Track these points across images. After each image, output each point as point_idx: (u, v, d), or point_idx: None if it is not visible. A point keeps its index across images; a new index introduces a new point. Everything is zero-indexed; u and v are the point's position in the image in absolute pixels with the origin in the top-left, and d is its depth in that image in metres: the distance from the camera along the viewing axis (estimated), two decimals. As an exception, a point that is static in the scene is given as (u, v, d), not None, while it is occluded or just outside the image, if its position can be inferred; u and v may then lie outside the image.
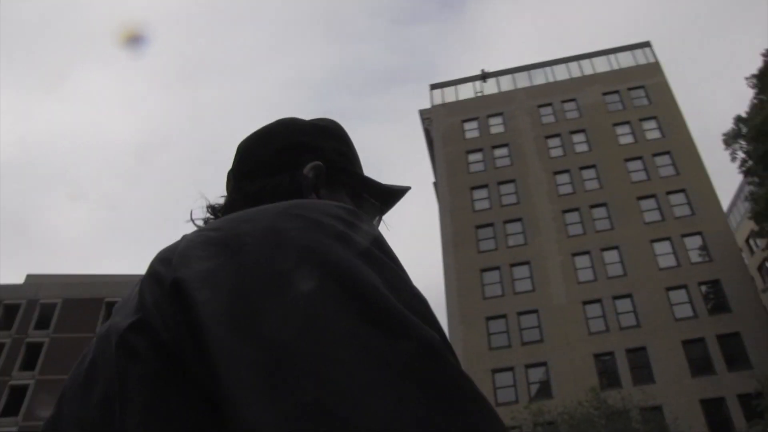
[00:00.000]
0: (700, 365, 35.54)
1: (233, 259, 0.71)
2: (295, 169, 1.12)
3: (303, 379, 0.59)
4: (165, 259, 0.77)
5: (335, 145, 1.20)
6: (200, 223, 1.14)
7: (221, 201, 1.18)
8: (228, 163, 1.23)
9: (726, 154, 43.57)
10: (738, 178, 56.90)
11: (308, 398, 0.58)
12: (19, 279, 53.24)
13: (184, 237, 0.81)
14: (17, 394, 45.17)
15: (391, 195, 1.25)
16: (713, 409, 33.93)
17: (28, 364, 46.85)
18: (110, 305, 49.56)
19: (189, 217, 1.15)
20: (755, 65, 39.98)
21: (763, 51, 39.90)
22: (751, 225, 47.54)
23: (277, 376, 0.59)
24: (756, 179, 38.50)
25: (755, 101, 39.77)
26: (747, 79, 41.40)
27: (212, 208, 1.16)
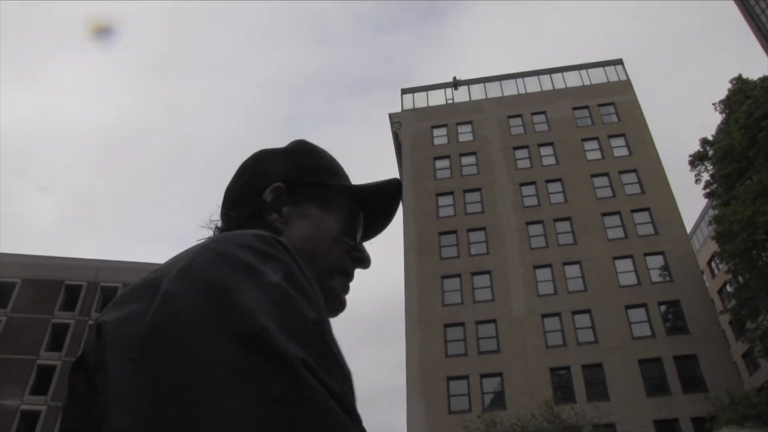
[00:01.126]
0: (656, 385, 35.41)
1: (151, 301, 0.79)
2: (259, 195, 1.17)
3: (173, 405, 0.68)
4: (113, 302, 0.87)
5: (299, 163, 1.23)
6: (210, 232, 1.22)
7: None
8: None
9: (691, 177, 43.63)
10: (702, 202, 57.33)
11: (169, 414, 0.68)
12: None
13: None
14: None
15: (370, 193, 1.26)
16: (666, 429, 33.79)
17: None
18: (69, 288, 50.05)
19: (206, 227, 1.23)
20: (723, 92, 40.30)
21: (731, 78, 40.27)
22: (713, 247, 47.80)
23: (159, 417, 0.68)
24: (719, 200, 38.71)
25: (722, 126, 40.10)
26: (714, 104, 41.93)
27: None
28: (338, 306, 1.17)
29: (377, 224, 1.31)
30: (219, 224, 1.22)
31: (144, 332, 0.75)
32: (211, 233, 1.20)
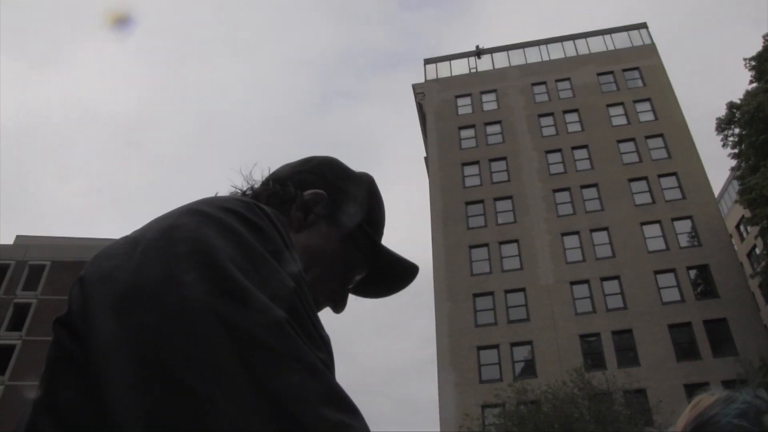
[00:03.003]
0: (686, 350, 35.63)
1: (133, 255, 0.81)
2: (300, 188, 1.21)
3: (172, 366, 0.69)
4: (94, 257, 0.88)
5: (353, 192, 1.26)
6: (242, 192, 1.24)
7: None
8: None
9: (718, 141, 43.27)
10: (729, 165, 56.84)
11: (173, 374, 0.69)
12: (8, 240, 53.15)
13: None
14: (4, 354, 45.04)
15: (389, 261, 1.29)
16: (697, 394, 33.95)
17: (16, 325, 46.82)
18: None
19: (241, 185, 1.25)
20: (754, 51, 39.59)
21: (765, 34, 39.54)
22: (741, 211, 47.58)
23: (147, 364, 0.70)
24: (749, 162, 38.37)
25: (749, 89, 39.65)
26: (745, 60, 41.14)
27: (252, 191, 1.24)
28: None
29: (372, 289, 1.34)
30: (254, 186, 1.26)
31: (125, 285, 0.77)
32: (245, 188, 1.25)
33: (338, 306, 1.25)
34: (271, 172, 1.29)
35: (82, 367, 0.75)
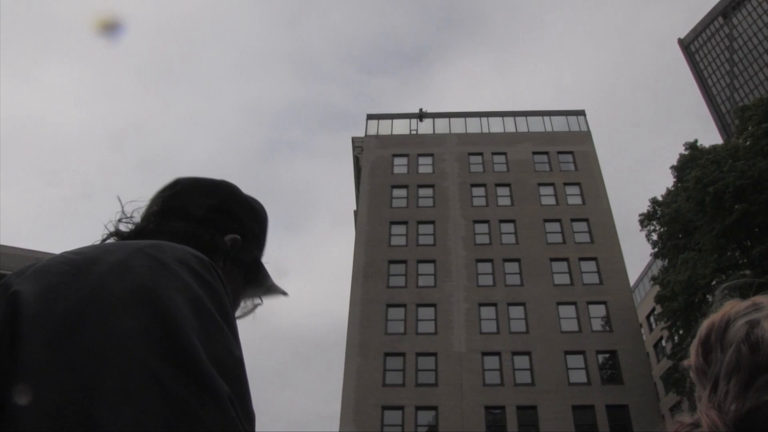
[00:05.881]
0: (586, 432, 35.86)
1: (76, 281, 0.78)
2: (218, 231, 1.18)
3: (89, 404, 0.66)
4: (20, 272, 0.85)
5: (256, 229, 1.27)
6: (124, 228, 1.18)
7: (134, 212, 1.21)
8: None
9: (638, 229, 44.65)
10: (647, 256, 58.55)
11: (80, 417, 0.65)
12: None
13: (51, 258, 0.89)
14: None
15: (270, 291, 1.29)
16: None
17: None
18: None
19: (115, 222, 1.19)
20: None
21: (685, 143, 41.42)
22: (652, 303, 48.82)
23: (69, 397, 0.66)
24: (666, 260, 39.74)
25: (670, 187, 41.32)
26: (671, 168, 43.10)
27: (127, 217, 1.19)
28: None
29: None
30: (138, 219, 1.20)
31: (68, 314, 0.72)
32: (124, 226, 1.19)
33: None
34: (166, 195, 1.22)
35: None
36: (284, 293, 1.32)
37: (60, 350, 0.69)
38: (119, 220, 1.18)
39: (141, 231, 1.15)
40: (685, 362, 1.08)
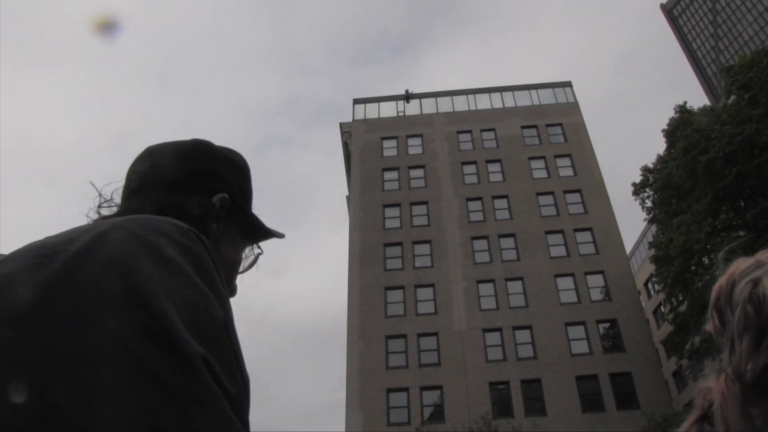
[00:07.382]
0: (591, 402, 36.03)
1: (49, 261, 0.78)
2: (204, 195, 1.17)
3: (58, 381, 0.65)
4: None
5: (241, 182, 1.26)
6: (105, 211, 1.16)
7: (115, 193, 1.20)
8: None
9: (631, 196, 44.50)
10: (642, 222, 58.68)
11: (54, 399, 0.64)
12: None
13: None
14: None
15: (267, 237, 1.31)
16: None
17: None
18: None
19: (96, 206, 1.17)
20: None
21: (675, 106, 41.24)
22: (650, 269, 48.94)
23: (37, 375, 0.66)
24: (660, 226, 39.80)
25: (661, 154, 41.21)
26: (662, 131, 42.86)
27: (108, 201, 1.18)
28: None
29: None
30: (118, 200, 1.19)
31: (37, 293, 0.72)
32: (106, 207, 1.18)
33: (233, 295, 1.22)
34: (142, 169, 1.18)
35: None
36: (281, 235, 1.34)
37: (26, 330, 0.69)
38: (99, 206, 1.17)
39: (125, 212, 1.13)
40: (707, 327, 1.09)
